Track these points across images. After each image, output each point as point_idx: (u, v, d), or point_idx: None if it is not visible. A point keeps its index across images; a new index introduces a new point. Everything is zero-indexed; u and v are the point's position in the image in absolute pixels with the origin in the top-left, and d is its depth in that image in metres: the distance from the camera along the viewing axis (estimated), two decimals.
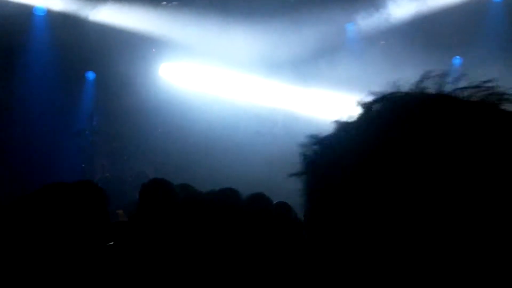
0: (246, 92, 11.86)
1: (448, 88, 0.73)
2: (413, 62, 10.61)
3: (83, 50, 10.78)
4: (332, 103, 11.85)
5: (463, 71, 11.04)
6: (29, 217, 1.93)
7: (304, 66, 11.40)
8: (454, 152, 0.65)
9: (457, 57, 11.37)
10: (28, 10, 10.65)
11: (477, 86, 0.72)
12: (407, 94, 0.74)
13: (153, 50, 11.40)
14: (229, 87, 11.79)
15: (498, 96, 0.72)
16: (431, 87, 0.74)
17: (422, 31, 10.88)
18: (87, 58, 11.03)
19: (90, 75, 11.56)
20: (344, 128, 0.75)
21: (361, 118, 0.74)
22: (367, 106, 0.75)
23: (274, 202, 4.63)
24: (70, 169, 10.12)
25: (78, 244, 1.92)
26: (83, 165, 10.68)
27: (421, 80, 0.74)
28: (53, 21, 10.77)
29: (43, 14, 10.82)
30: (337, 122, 0.76)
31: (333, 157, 0.72)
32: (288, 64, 11.35)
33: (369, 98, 0.76)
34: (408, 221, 0.65)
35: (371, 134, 0.70)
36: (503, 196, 0.63)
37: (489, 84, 0.73)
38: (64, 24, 10.59)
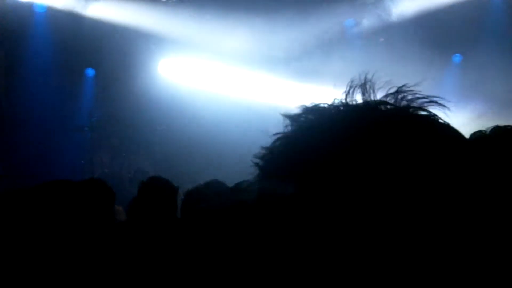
0: (247, 89, 11.85)
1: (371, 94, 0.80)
2: (414, 59, 10.62)
3: (83, 46, 10.77)
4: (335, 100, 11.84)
5: (462, 68, 11.07)
6: (30, 210, 1.91)
7: (305, 63, 11.39)
8: (367, 157, 0.72)
9: (457, 54, 11.37)
10: (28, 7, 10.64)
11: (394, 93, 0.79)
12: (331, 106, 0.81)
13: (153, 46, 11.39)
14: (229, 83, 11.78)
15: (409, 101, 0.78)
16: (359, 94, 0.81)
17: (422, 28, 10.87)
18: (87, 54, 11.02)
19: (90, 71, 11.55)
20: (280, 139, 0.83)
21: (294, 130, 0.81)
22: (295, 119, 0.82)
23: None
24: (69, 166, 10.13)
25: (79, 242, 1.90)
26: (82, 161, 10.68)
27: (349, 90, 0.81)
28: (53, 18, 10.76)
29: (43, 11, 10.80)
30: (277, 133, 0.83)
31: (276, 165, 0.81)
32: (288, 61, 11.35)
33: (296, 110, 0.82)
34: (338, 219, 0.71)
35: (302, 145, 0.78)
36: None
37: (406, 89, 0.79)
38: (64, 21, 10.58)
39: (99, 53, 10.97)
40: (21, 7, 10.42)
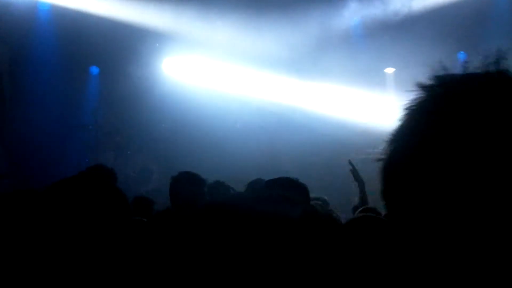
0: (252, 87, 11.84)
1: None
2: (419, 57, 10.57)
3: (87, 44, 10.78)
4: (336, 97, 11.82)
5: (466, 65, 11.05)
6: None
7: (308, 60, 11.38)
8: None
9: (461, 52, 11.33)
10: (32, 5, 10.65)
11: None
12: (465, 76, 0.80)
13: (157, 44, 11.39)
14: (232, 81, 11.77)
15: None
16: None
17: (427, 25, 10.83)
18: (91, 52, 11.04)
19: (94, 69, 11.57)
20: (411, 115, 0.79)
21: (426, 101, 0.79)
22: (428, 89, 0.79)
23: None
24: (73, 164, 10.13)
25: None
26: (87, 159, 10.69)
27: (468, 61, 0.81)
28: (57, 16, 10.77)
29: (47, 8, 10.81)
30: (405, 108, 0.80)
31: (404, 146, 0.78)
32: (291, 59, 11.32)
33: (425, 80, 0.80)
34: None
35: (437, 117, 0.75)
36: None
37: None
38: (68, 19, 10.58)
39: (103, 51, 10.97)
40: (25, 5, 10.42)
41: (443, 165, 0.71)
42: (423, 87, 0.80)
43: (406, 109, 0.79)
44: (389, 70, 11.56)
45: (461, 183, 0.70)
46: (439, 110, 0.75)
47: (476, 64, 0.81)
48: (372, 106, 11.41)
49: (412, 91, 0.81)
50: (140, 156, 11.39)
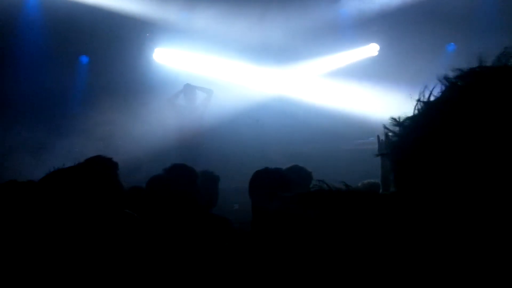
0: (238, 77, 11.82)
1: None
2: (407, 49, 10.60)
3: (76, 34, 10.71)
4: (325, 88, 11.85)
5: (456, 57, 11.07)
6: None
7: (298, 51, 11.38)
8: None
9: (451, 43, 11.37)
10: None
11: None
12: (493, 69, 0.82)
13: (147, 34, 11.33)
14: (222, 71, 11.75)
15: None
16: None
17: (417, 16, 10.85)
18: (81, 42, 10.97)
19: (84, 59, 11.50)
20: (431, 106, 0.81)
21: (450, 93, 0.81)
22: (453, 81, 0.82)
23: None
24: (63, 153, 10.09)
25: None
26: (76, 149, 10.65)
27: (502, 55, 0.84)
28: (46, 4, 10.68)
29: None
30: (422, 102, 0.82)
31: (416, 134, 0.79)
32: (280, 48, 11.32)
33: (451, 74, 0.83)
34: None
35: (462, 108, 0.77)
36: None
37: None
38: (58, 8, 10.50)
39: (93, 40, 10.91)
40: None
41: (452, 156, 0.74)
42: (446, 79, 0.81)
43: (427, 100, 0.80)
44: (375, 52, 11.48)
45: (465, 176, 0.73)
46: (457, 102, 0.77)
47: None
48: (362, 96, 11.44)
49: (436, 82, 0.81)
50: (129, 146, 11.35)
